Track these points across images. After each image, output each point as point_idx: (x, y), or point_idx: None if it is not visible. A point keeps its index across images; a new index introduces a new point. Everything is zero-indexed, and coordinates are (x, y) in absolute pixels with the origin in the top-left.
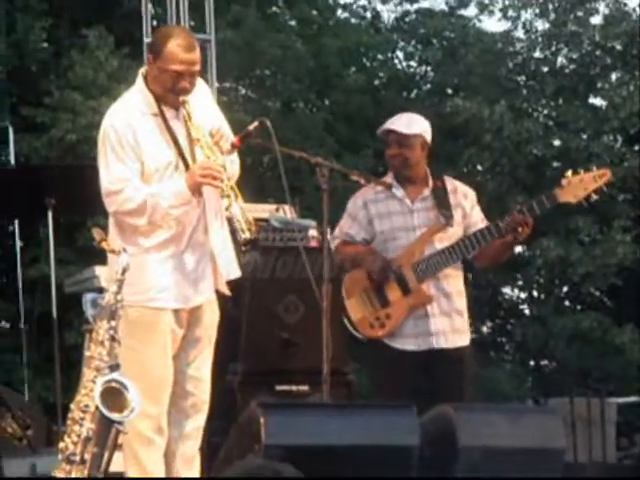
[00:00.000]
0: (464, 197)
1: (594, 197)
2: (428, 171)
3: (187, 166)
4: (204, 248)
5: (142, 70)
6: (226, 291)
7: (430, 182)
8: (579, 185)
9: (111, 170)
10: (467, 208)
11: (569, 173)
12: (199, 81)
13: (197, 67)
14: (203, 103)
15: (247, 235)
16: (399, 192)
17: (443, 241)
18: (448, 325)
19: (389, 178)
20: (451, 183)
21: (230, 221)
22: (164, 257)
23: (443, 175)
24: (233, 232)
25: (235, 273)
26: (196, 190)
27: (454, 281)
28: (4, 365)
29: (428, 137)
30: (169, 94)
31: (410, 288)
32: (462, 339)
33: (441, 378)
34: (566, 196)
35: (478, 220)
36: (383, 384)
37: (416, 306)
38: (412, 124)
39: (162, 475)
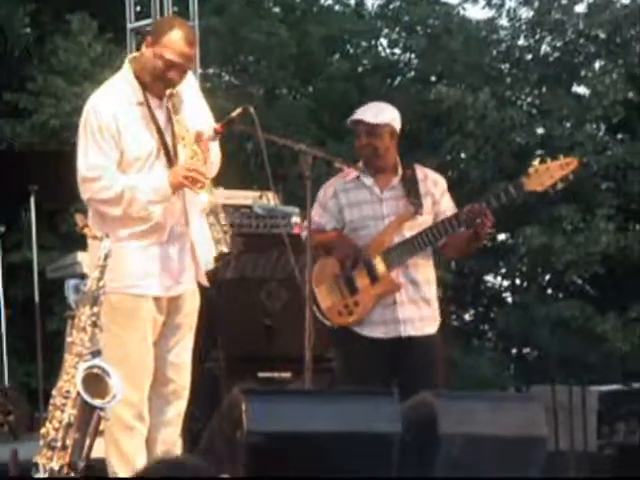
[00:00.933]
0: (434, 185)
1: (560, 185)
2: (398, 160)
3: (168, 156)
4: (184, 239)
5: (130, 57)
6: (205, 282)
7: (400, 171)
8: (546, 173)
9: (89, 157)
10: (437, 195)
11: (536, 162)
12: (188, 74)
13: (191, 63)
14: (191, 99)
15: (223, 248)
16: (368, 181)
17: (413, 229)
18: (416, 313)
19: (360, 167)
20: (421, 171)
21: (210, 229)
22: (145, 245)
23: (414, 164)
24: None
25: (211, 264)
26: (176, 189)
27: (423, 269)
28: None
29: (397, 126)
30: (157, 82)
31: (378, 276)
32: (430, 327)
33: (410, 365)
34: (533, 184)
35: (448, 208)
36: (352, 371)
37: (384, 294)
38: (380, 114)
39: (143, 462)
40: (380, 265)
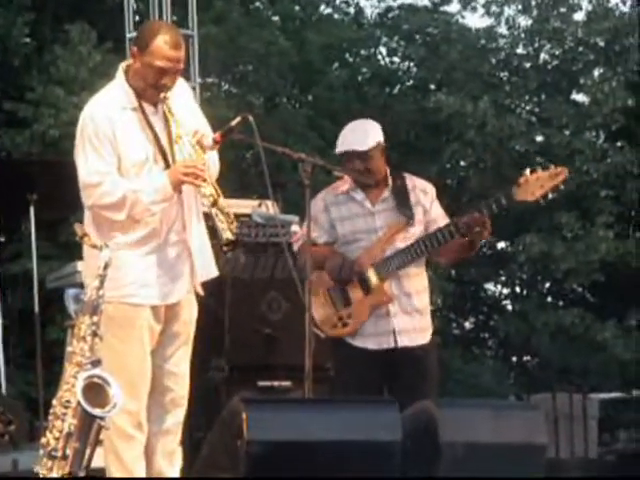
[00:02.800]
0: (423, 194)
1: (550, 196)
2: (388, 171)
3: (166, 162)
4: (182, 245)
5: (123, 64)
6: (200, 291)
7: (390, 182)
8: (536, 183)
9: (89, 163)
10: (427, 205)
11: (527, 172)
12: (180, 80)
13: (181, 65)
14: (185, 102)
15: (229, 235)
16: (359, 195)
17: (405, 240)
18: (409, 324)
19: (349, 181)
20: (411, 181)
21: (212, 220)
22: (142, 253)
23: (403, 173)
24: (214, 231)
25: (212, 273)
26: (177, 187)
27: (415, 280)
28: None
29: (383, 141)
30: (150, 89)
31: (371, 288)
32: (423, 337)
33: (403, 376)
34: (523, 195)
35: (438, 216)
36: (345, 382)
37: (377, 305)
38: (368, 137)
39: (143, 471)
40: (373, 277)
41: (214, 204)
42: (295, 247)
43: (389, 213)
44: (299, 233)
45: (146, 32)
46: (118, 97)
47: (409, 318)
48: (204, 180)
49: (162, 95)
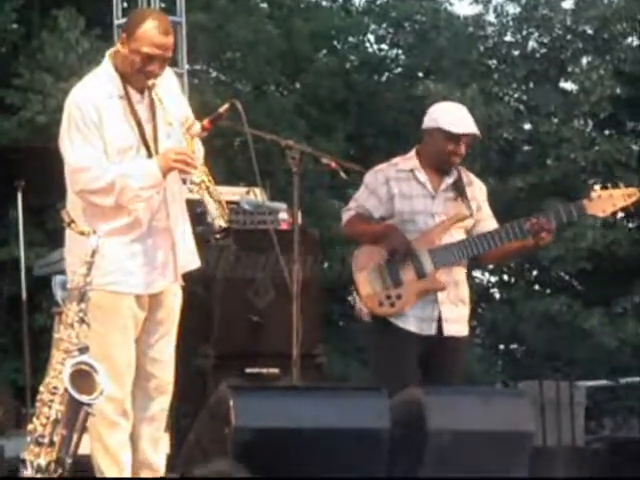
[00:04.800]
0: (479, 190)
1: (620, 214)
2: None
3: (149, 150)
4: (166, 234)
5: (110, 51)
6: (181, 282)
7: (454, 172)
8: (608, 200)
9: (76, 148)
10: (480, 201)
11: (597, 187)
12: (167, 69)
13: (170, 52)
14: (171, 91)
15: (221, 223)
16: (422, 176)
17: (459, 231)
18: (454, 313)
19: (413, 160)
20: (467, 175)
21: (204, 207)
22: (125, 241)
23: (459, 166)
24: (201, 219)
25: (194, 263)
26: (167, 173)
27: (461, 270)
28: None
29: None
30: (137, 75)
31: (425, 272)
32: (463, 329)
33: (436, 364)
34: (595, 209)
35: (488, 215)
36: (385, 362)
37: (428, 291)
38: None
39: (128, 457)
40: (428, 262)
41: (205, 191)
42: (344, 218)
43: (449, 201)
44: (352, 204)
45: (135, 18)
46: (104, 84)
47: (455, 308)
48: (195, 167)
49: (150, 82)
